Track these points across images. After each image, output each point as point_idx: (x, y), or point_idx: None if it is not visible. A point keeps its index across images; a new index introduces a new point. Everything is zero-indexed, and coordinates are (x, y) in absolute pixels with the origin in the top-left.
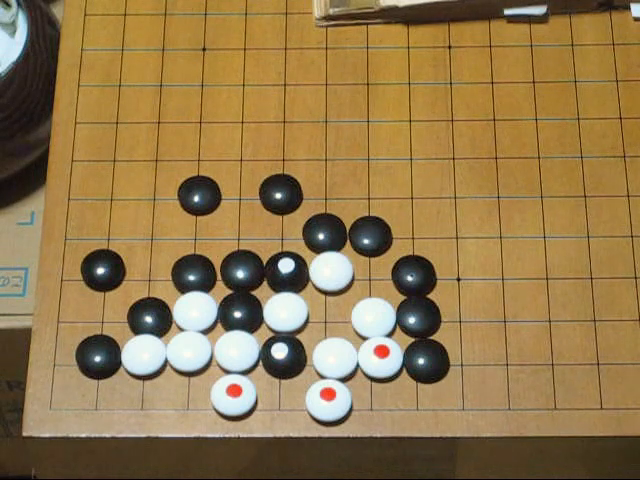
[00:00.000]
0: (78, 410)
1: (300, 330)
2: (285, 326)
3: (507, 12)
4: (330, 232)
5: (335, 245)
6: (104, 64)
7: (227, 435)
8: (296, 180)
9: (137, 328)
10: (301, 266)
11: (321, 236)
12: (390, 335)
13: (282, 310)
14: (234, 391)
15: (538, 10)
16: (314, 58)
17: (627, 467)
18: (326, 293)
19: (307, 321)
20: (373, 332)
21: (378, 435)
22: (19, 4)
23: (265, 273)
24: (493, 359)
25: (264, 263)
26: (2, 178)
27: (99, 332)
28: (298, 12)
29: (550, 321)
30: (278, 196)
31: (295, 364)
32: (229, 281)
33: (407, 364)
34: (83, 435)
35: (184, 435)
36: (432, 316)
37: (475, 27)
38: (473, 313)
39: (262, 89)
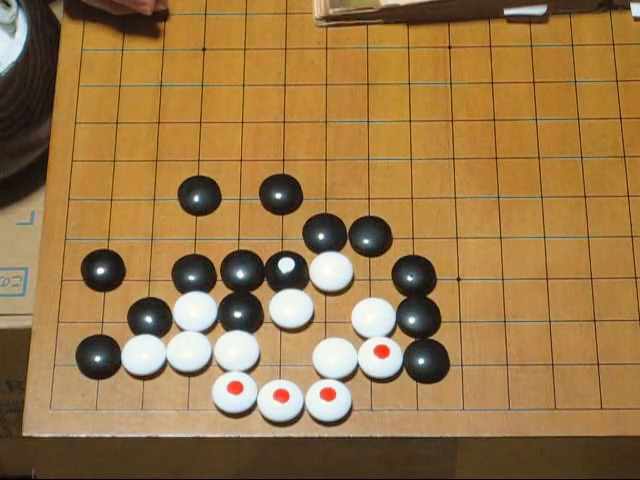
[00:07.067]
0: (78, 410)
1: (305, 327)
2: (291, 322)
3: (507, 12)
4: (330, 232)
5: (335, 245)
6: (104, 64)
7: (227, 435)
8: (296, 180)
9: (137, 328)
10: (301, 266)
11: (321, 236)
12: (390, 335)
13: (288, 307)
14: (235, 388)
15: (538, 10)
16: (314, 58)
17: (627, 467)
18: (326, 293)
19: (312, 318)
20: (373, 332)
21: (378, 435)
22: (19, 4)
23: (265, 273)
24: (493, 359)
25: (264, 263)
26: (2, 178)
27: (99, 332)
28: (298, 12)
29: (550, 321)
30: (278, 196)
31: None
32: (229, 281)
33: (407, 364)
34: (83, 435)
35: (184, 435)
36: (432, 316)
37: (475, 27)
38: (473, 313)
39: (262, 89)
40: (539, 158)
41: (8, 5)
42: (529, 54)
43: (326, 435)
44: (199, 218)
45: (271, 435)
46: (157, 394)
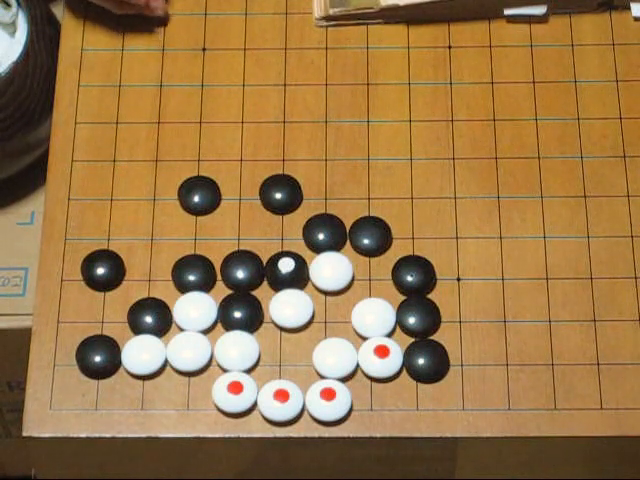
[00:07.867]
0: (78, 410)
1: (305, 327)
2: (291, 322)
3: (507, 12)
4: (330, 232)
5: (335, 245)
6: (104, 64)
7: (227, 435)
8: (296, 180)
9: (137, 328)
10: (301, 266)
11: (321, 236)
12: (390, 335)
13: (288, 307)
14: (235, 388)
15: (538, 10)
16: (314, 58)
17: (627, 467)
18: (326, 293)
19: (312, 318)
20: (373, 332)
21: (378, 435)
22: (19, 4)
23: (265, 273)
24: (493, 359)
25: (264, 263)
26: (2, 178)
27: (99, 332)
28: (298, 12)
29: (550, 321)
30: (278, 196)
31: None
32: (229, 281)
33: (407, 364)
34: (83, 435)
35: (184, 435)
36: (432, 316)
37: (475, 27)
38: (473, 313)
39: (262, 89)
40: (539, 158)
41: (8, 5)
42: (529, 54)
43: (326, 435)
44: (199, 218)
45: (271, 435)
46: (157, 394)
